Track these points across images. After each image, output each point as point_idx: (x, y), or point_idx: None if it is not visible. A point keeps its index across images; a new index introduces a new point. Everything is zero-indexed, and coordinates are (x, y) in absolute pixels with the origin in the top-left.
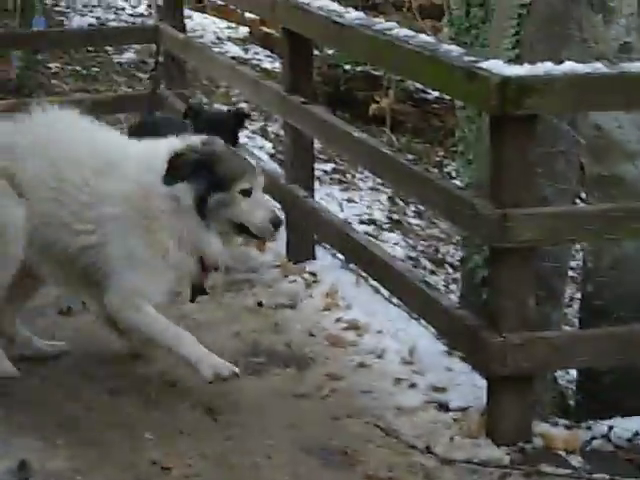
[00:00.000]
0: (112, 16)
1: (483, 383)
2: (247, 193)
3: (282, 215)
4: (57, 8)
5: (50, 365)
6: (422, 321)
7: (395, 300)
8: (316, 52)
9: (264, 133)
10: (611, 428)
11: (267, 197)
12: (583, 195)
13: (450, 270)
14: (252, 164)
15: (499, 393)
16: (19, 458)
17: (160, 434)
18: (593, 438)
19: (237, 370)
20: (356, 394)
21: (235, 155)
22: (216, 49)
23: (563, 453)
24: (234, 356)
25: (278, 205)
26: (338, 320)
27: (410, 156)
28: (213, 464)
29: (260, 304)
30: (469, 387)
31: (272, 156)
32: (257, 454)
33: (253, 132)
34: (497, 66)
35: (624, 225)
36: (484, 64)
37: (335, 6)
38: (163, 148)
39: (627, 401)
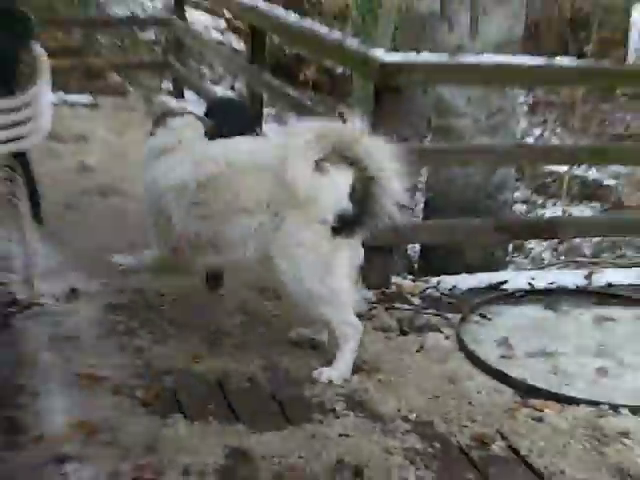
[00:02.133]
0: (138, 9)
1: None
2: None
3: None
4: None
5: None
6: None
7: None
8: (268, 39)
9: (232, 88)
10: (439, 282)
11: None
12: (429, 138)
13: None
14: None
15: (370, 257)
16: (71, 284)
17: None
18: (427, 288)
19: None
20: None
21: None
22: (204, 34)
23: (409, 296)
24: None
25: None
26: None
27: (323, 107)
28: (193, 296)
29: None
30: None
31: None
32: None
33: (226, 88)
34: (380, 54)
35: (452, 157)
36: (372, 52)
37: (281, 10)
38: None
39: (449, 265)
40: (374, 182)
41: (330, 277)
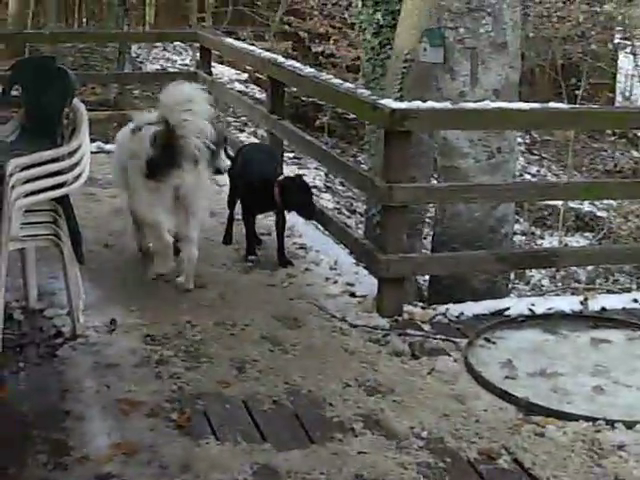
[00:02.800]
0: (169, 64)
1: (375, 282)
2: None
3: None
4: (138, 59)
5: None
6: (342, 245)
7: (327, 233)
8: (286, 89)
9: (255, 135)
10: (447, 309)
11: None
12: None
13: (359, 217)
14: None
15: (384, 287)
16: (110, 317)
17: (192, 306)
18: (436, 315)
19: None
20: (303, 285)
21: None
22: (228, 85)
23: (419, 323)
24: (235, 262)
25: None
26: (294, 243)
27: (338, 150)
28: (220, 325)
29: None
30: (368, 284)
31: None
32: (245, 319)
33: (249, 134)
34: (389, 102)
35: (457, 195)
36: (382, 101)
37: (298, 64)
38: None
39: (456, 294)
40: (173, 131)
41: (149, 209)
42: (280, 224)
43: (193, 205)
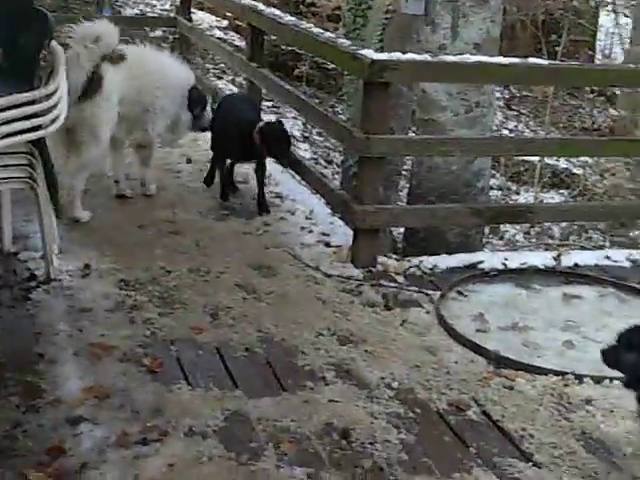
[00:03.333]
0: (148, 9)
1: (351, 232)
2: None
3: None
4: (117, 2)
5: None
6: (318, 195)
7: (304, 183)
8: (266, 37)
9: (234, 83)
10: (421, 262)
11: None
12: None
13: (335, 167)
14: None
15: (359, 238)
16: (84, 261)
17: (166, 252)
18: (410, 267)
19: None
20: (278, 234)
21: None
22: (208, 32)
23: (393, 274)
24: (211, 209)
25: None
26: (270, 192)
27: (316, 100)
28: (195, 272)
29: None
30: (343, 234)
31: None
32: (220, 266)
33: (227, 82)
34: (369, 53)
35: (434, 148)
36: (362, 51)
37: (278, 12)
38: None
39: (430, 247)
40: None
41: None
42: (260, 171)
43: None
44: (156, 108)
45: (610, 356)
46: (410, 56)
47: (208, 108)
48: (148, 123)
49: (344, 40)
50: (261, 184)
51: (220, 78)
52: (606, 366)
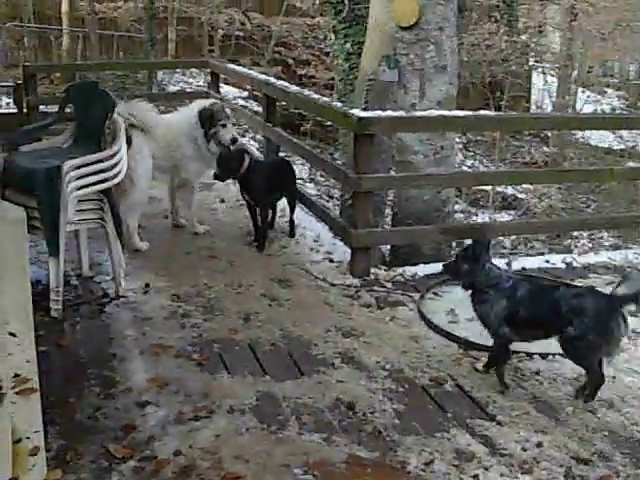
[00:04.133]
0: (186, 86)
1: (348, 250)
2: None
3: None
4: (163, 82)
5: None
6: (323, 223)
7: (311, 214)
8: (277, 103)
9: (254, 139)
10: (404, 271)
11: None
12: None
13: (336, 201)
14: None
15: (355, 255)
16: (145, 281)
17: (207, 272)
18: (396, 275)
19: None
20: (292, 254)
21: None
22: (233, 101)
23: (383, 282)
24: (240, 237)
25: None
26: (286, 221)
27: (318, 150)
28: (229, 286)
29: None
30: (343, 252)
31: (259, 150)
32: (249, 281)
33: (249, 137)
34: (357, 112)
35: (410, 182)
36: (351, 111)
37: (286, 83)
38: None
39: (410, 259)
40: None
41: None
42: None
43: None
44: (180, 158)
45: (450, 269)
46: (389, 113)
47: (223, 121)
48: (181, 170)
49: (337, 103)
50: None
51: (243, 136)
52: (448, 277)
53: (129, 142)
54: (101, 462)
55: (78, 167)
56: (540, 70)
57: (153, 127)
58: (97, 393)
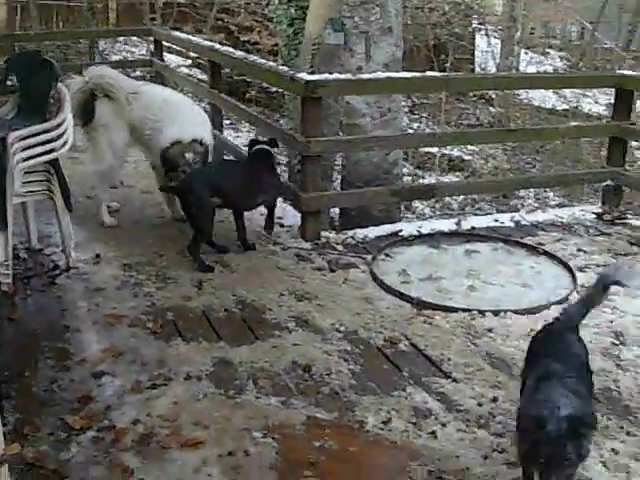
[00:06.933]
0: (129, 55)
1: (299, 215)
2: None
3: None
4: (105, 52)
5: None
6: None
7: None
8: (222, 70)
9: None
10: (355, 233)
11: None
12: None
13: (283, 167)
14: None
15: (306, 219)
16: (95, 252)
17: (158, 240)
18: (347, 238)
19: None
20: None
21: None
22: (177, 70)
23: (334, 245)
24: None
25: None
26: None
27: (263, 117)
28: (181, 254)
29: None
30: (293, 217)
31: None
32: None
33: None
34: (304, 75)
35: (359, 145)
36: (298, 75)
37: (231, 49)
38: None
39: (361, 222)
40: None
41: None
42: None
43: None
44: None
45: None
46: (336, 76)
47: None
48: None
49: (284, 67)
50: None
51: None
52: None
53: (92, 112)
54: (59, 434)
55: (24, 138)
56: (483, 32)
57: (129, 93)
58: (52, 366)
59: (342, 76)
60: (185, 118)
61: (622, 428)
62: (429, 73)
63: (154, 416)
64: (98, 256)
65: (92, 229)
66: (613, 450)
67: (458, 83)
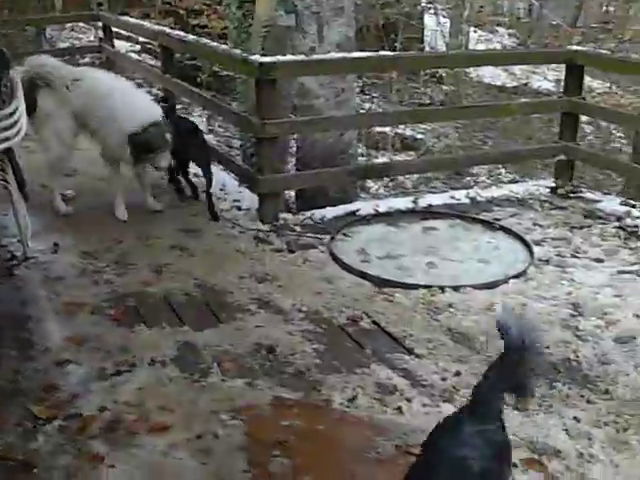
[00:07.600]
0: (77, 42)
1: (256, 197)
2: None
3: None
4: (52, 39)
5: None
6: (228, 171)
7: (215, 163)
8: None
9: (150, 93)
10: (312, 214)
11: None
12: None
13: (236, 150)
14: None
15: (263, 201)
16: (52, 241)
17: (115, 227)
18: (304, 219)
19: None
20: (200, 204)
21: None
22: (127, 55)
23: (292, 226)
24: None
25: None
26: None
27: (216, 99)
28: (139, 241)
29: None
30: (250, 200)
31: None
32: (158, 233)
33: (146, 92)
34: (257, 58)
35: (314, 126)
36: (251, 57)
37: (182, 33)
38: None
39: (318, 202)
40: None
41: None
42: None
43: None
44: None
45: None
46: (289, 57)
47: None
48: None
49: (236, 50)
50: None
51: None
52: None
53: (34, 103)
54: (26, 424)
55: None
56: (432, 11)
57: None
58: (15, 356)
59: (296, 57)
60: (140, 100)
61: (583, 397)
62: (382, 52)
63: (120, 402)
64: (56, 245)
65: (49, 218)
66: (575, 418)
67: (409, 62)
